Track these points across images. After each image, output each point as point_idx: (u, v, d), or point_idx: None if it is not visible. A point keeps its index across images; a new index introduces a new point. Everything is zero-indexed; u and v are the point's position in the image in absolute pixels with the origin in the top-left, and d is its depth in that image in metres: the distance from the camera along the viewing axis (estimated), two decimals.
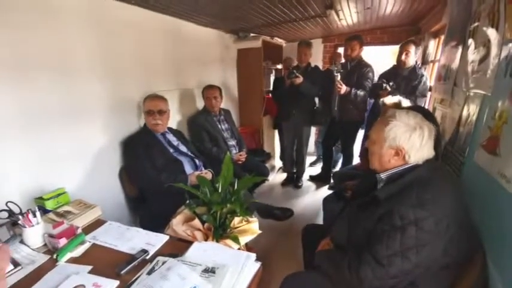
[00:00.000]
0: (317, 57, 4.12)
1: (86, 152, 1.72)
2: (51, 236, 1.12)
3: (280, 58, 4.07)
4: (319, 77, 2.98)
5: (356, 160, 3.07)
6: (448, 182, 1.03)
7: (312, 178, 3.58)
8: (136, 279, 0.95)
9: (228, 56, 3.36)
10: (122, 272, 0.98)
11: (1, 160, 1.30)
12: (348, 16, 2.92)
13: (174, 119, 2.48)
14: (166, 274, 0.92)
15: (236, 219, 1.31)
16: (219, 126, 2.67)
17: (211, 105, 2.58)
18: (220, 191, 1.34)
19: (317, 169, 3.77)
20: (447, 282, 0.99)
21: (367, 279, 0.96)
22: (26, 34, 1.35)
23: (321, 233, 1.39)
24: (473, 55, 1.43)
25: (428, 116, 1.23)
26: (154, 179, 1.76)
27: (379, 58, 4.91)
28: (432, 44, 2.97)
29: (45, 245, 1.15)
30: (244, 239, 1.26)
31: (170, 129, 2.09)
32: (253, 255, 1.05)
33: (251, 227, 1.32)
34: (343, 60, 3.24)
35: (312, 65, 3.09)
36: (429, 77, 2.73)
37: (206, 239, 1.22)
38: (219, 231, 1.26)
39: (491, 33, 1.21)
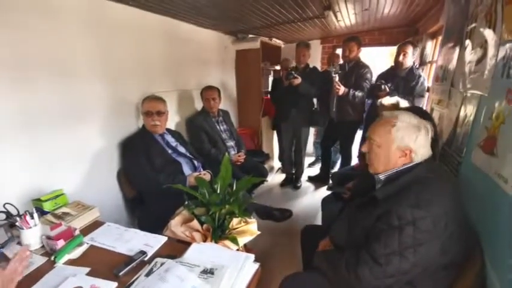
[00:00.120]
0: (315, 58, 4.13)
1: (84, 153, 1.71)
2: (49, 237, 1.11)
3: (279, 59, 4.08)
4: (318, 78, 2.99)
5: (354, 161, 3.08)
6: (446, 182, 1.03)
7: (311, 179, 3.59)
8: (134, 280, 0.94)
9: (226, 57, 3.37)
10: (120, 274, 0.97)
11: None
12: (346, 17, 2.93)
13: (173, 120, 2.48)
14: (165, 275, 0.92)
15: (235, 220, 1.31)
16: (218, 127, 2.67)
17: (209, 106, 2.58)
18: (219, 192, 1.34)
19: (316, 170, 3.78)
20: (445, 282, 1.00)
21: (365, 278, 0.96)
22: (25, 34, 1.35)
23: (319, 233, 1.39)
24: (470, 56, 1.43)
25: (425, 115, 1.24)
26: (153, 180, 1.76)
27: (378, 59, 4.92)
28: (430, 45, 2.98)
29: (43, 246, 1.14)
30: (243, 240, 1.26)
31: (169, 130, 2.09)
32: (252, 256, 1.05)
33: (250, 228, 1.32)
34: (341, 61, 3.25)
35: (311, 66, 3.10)
36: (427, 77, 2.74)
37: (205, 240, 1.21)
38: (218, 232, 1.26)
39: (489, 34, 1.22)
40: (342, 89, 2.74)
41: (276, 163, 3.96)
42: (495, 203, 1.00)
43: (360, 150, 1.96)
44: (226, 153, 1.57)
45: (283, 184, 3.49)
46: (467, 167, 1.29)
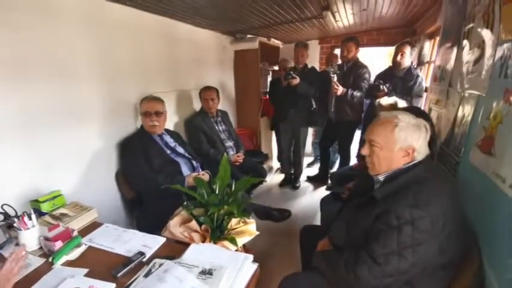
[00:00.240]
0: (314, 59, 4.14)
1: (82, 154, 1.71)
2: (46, 238, 1.11)
3: (277, 59, 4.08)
4: (316, 78, 2.99)
5: (353, 161, 3.08)
6: (444, 181, 1.04)
7: (310, 179, 3.59)
8: (133, 281, 0.94)
9: (225, 58, 3.37)
10: (119, 275, 0.97)
11: None
12: (344, 17, 2.93)
13: (171, 121, 2.47)
14: (163, 276, 0.92)
15: (233, 221, 1.31)
16: (216, 127, 2.66)
17: (208, 107, 2.58)
18: (217, 192, 1.34)
19: (314, 170, 3.78)
20: (444, 282, 1.00)
21: (364, 278, 0.96)
22: (25, 35, 1.35)
23: (318, 233, 1.39)
24: (468, 56, 1.44)
25: (423, 115, 1.24)
26: (152, 181, 1.75)
27: (377, 59, 4.93)
28: (428, 45, 3.00)
29: (40, 248, 1.14)
30: (241, 241, 1.26)
31: (167, 130, 2.09)
32: (251, 257, 1.05)
33: (249, 228, 1.32)
34: (339, 62, 3.25)
35: (309, 66, 3.10)
36: (425, 78, 2.75)
37: (203, 241, 1.21)
38: (217, 232, 1.26)
39: (486, 34, 1.22)
40: (340, 89, 2.74)
41: (275, 163, 3.96)
42: (493, 203, 1.00)
43: (358, 151, 1.97)
44: (225, 154, 1.56)
45: (282, 184, 3.49)
46: (465, 166, 1.30)
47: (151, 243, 1.17)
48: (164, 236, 1.24)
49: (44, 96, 1.45)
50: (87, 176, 1.72)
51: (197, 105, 2.76)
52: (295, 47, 3.00)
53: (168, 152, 1.96)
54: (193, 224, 1.27)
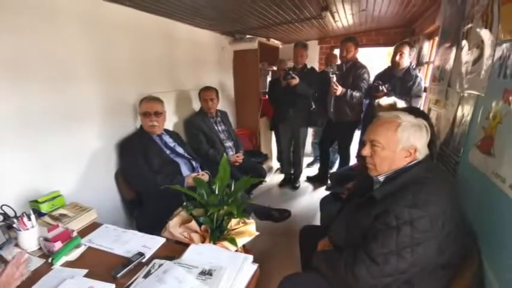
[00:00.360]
0: (313, 59, 4.14)
1: (82, 154, 1.71)
2: (46, 239, 1.11)
3: (277, 59, 4.08)
4: (315, 79, 2.99)
5: (353, 161, 3.08)
6: (443, 181, 1.04)
7: (309, 179, 3.59)
8: (132, 282, 0.94)
9: (224, 58, 3.36)
10: (118, 276, 0.97)
11: None
12: (343, 18, 2.94)
13: (171, 121, 2.47)
14: (163, 277, 0.92)
15: (233, 221, 1.31)
16: (216, 127, 2.66)
17: (207, 107, 2.58)
18: (217, 192, 1.34)
19: (314, 170, 3.78)
20: (443, 281, 1.00)
21: (362, 277, 0.96)
22: (24, 36, 1.34)
23: (318, 233, 1.39)
24: (467, 56, 1.44)
25: (422, 115, 1.24)
26: (151, 181, 1.75)
27: (376, 59, 4.94)
28: (427, 46, 3.00)
29: (40, 248, 1.14)
30: (241, 241, 1.26)
31: (167, 130, 2.09)
32: (251, 257, 1.05)
33: (248, 229, 1.32)
34: (338, 62, 3.26)
35: (308, 66, 3.10)
36: (424, 78, 2.75)
37: (203, 241, 1.21)
38: (216, 233, 1.26)
39: (485, 34, 1.23)
40: (339, 90, 2.75)
41: (275, 163, 3.96)
42: (492, 203, 1.00)
43: (358, 152, 1.96)
44: (225, 154, 1.56)
45: (281, 184, 3.49)
46: (465, 166, 1.30)
47: (151, 243, 1.17)
48: (164, 237, 1.24)
49: (43, 96, 1.44)
50: (86, 176, 1.72)
51: (196, 106, 2.76)
52: (295, 47, 3.00)
53: (168, 152, 1.96)
54: (193, 224, 1.27)
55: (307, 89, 2.87)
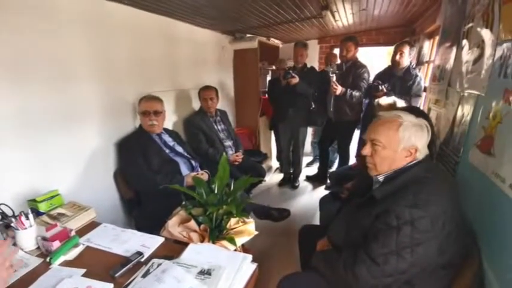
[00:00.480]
0: (313, 58, 4.14)
1: (80, 153, 1.70)
2: (44, 238, 1.10)
3: (277, 59, 4.08)
4: (315, 78, 2.99)
5: (352, 160, 3.08)
6: (444, 181, 1.03)
7: (309, 178, 3.59)
8: (131, 282, 0.94)
9: (224, 57, 3.36)
10: (117, 275, 0.96)
11: None
12: (343, 17, 2.93)
13: (170, 120, 2.47)
14: (162, 276, 0.91)
15: (232, 220, 1.31)
16: (215, 127, 2.66)
17: (207, 106, 2.57)
18: (216, 192, 1.34)
19: (314, 169, 3.78)
20: (444, 281, 1.00)
21: (362, 277, 0.96)
22: (24, 35, 1.34)
23: (317, 233, 1.38)
24: (467, 56, 1.44)
25: (422, 115, 1.24)
26: (150, 180, 1.75)
27: (376, 59, 4.94)
28: (427, 45, 3.00)
29: (38, 248, 1.13)
30: (240, 240, 1.25)
31: (166, 130, 2.08)
32: (250, 257, 1.05)
33: (247, 228, 1.32)
34: (338, 61, 3.25)
35: (308, 65, 3.10)
36: (424, 77, 2.75)
37: (202, 241, 1.21)
38: (215, 232, 1.25)
39: (486, 33, 1.22)
40: (339, 89, 2.74)
41: (274, 163, 3.95)
42: (492, 203, 1.00)
43: (358, 151, 1.96)
44: (224, 153, 1.56)
45: (281, 184, 3.49)
46: (465, 166, 1.30)
47: (150, 243, 1.16)
48: (163, 236, 1.23)
49: (43, 96, 1.44)
50: (85, 175, 1.71)
51: (196, 105, 2.76)
52: (295, 47, 3.00)
53: (167, 151, 1.95)
54: (192, 223, 1.27)
55: (307, 89, 2.87)
